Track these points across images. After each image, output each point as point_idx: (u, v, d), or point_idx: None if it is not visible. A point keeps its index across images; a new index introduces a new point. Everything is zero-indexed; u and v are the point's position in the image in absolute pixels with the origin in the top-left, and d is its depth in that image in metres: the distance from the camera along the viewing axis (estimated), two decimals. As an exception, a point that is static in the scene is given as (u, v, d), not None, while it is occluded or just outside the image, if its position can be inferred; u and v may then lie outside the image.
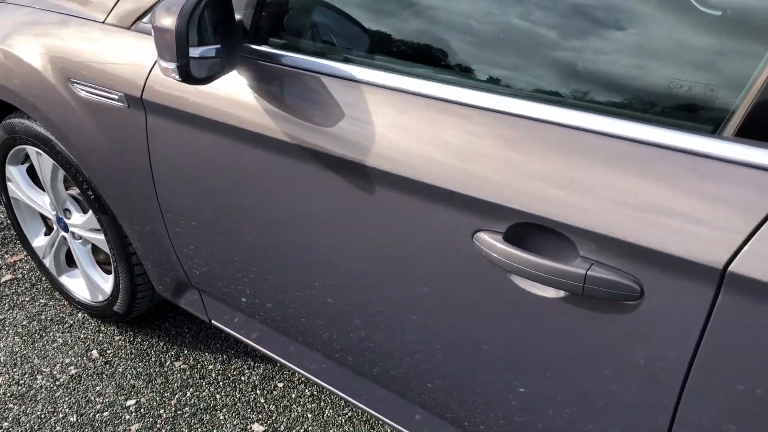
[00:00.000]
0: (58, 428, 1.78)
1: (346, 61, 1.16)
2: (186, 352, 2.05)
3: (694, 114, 0.88)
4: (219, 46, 1.18)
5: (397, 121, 1.06)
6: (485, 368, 1.13)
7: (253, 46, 1.26)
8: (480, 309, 1.07)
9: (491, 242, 0.97)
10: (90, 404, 1.86)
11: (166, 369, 1.98)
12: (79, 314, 2.21)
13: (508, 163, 0.95)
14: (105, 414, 1.83)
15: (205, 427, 1.78)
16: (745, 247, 0.78)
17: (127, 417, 1.82)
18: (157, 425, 1.79)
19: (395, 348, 1.27)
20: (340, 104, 1.13)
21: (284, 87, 1.20)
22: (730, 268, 0.79)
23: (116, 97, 1.47)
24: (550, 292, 0.96)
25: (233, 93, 1.26)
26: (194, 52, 1.12)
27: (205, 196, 1.42)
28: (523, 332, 1.03)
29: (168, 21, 1.05)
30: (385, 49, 1.18)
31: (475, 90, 1.02)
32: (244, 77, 1.25)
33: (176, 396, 1.89)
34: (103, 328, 2.15)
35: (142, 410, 1.84)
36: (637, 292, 0.87)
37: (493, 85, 1.03)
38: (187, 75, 1.08)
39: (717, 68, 0.87)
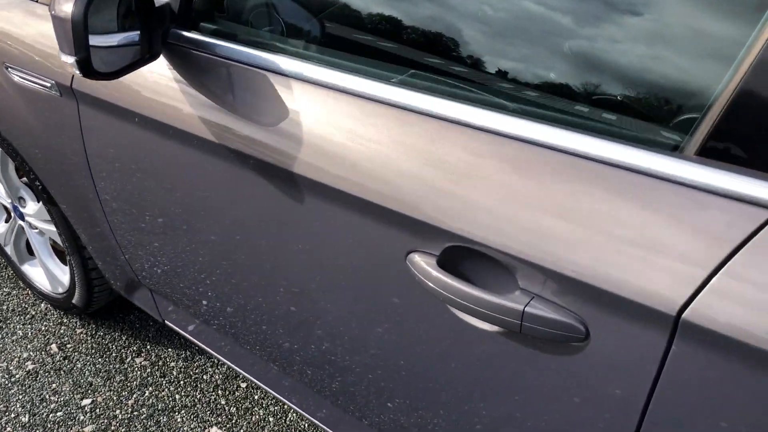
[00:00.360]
0: (8, 429, 1.70)
1: (294, 55, 1.02)
2: (149, 347, 1.96)
3: (650, 127, 0.74)
4: (138, 32, 1.05)
5: (337, 125, 0.94)
6: (440, 392, 1.02)
7: (185, 33, 1.12)
8: (421, 335, 0.95)
9: (424, 267, 0.85)
10: (44, 403, 1.78)
11: (126, 366, 1.90)
12: (42, 305, 2.12)
13: (439, 179, 0.82)
14: (59, 414, 1.74)
15: (161, 430, 1.70)
16: (702, 292, 0.65)
17: (81, 418, 1.73)
18: (112, 427, 1.71)
19: (356, 363, 1.16)
20: (277, 105, 1.00)
21: (217, 81, 1.07)
22: (685, 315, 0.66)
23: (48, 84, 1.35)
24: (487, 326, 0.84)
25: (160, 85, 1.13)
26: (103, 40, 1.00)
27: (144, 195, 1.31)
28: (465, 362, 0.92)
29: (66, 8, 0.92)
30: (335, 46, 1.05)
31: (416, 91, 0.88)
32: (172, 68, 1.12)
33: (134, 395, 1.80)
34: (65, 320, 2.06)
35: (98, 410, 1.76)
36: (582, 333, 0.75)
37: (430, 83, 0.90)
38: (87, 69, 0.95)
39: (685, 68, 0.73)
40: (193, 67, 1.10)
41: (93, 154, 1.35)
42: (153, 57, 1.08)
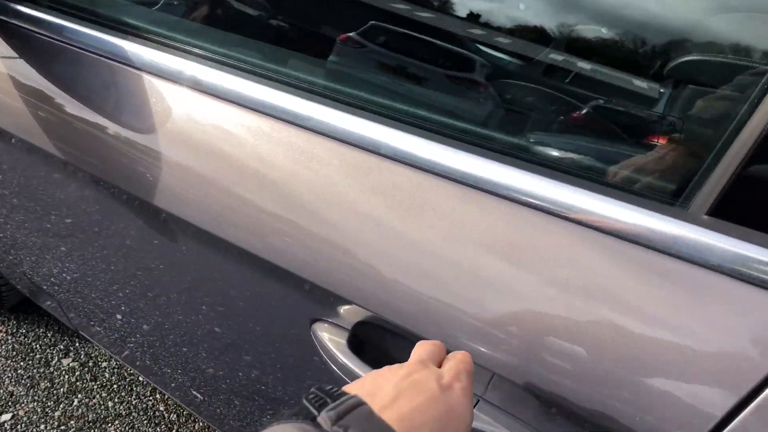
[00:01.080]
0: None
1: (176, 42, 0.73)
2: (77, 344, 1.75)
3: (643, 174, 0.49)
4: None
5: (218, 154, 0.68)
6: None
7: (18, 6, 0.84)
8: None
9: (327, 345, 0.62)
10: (-42, 421, 1.57)
11: (52, 369, 1.68)
12: (-42, 300, 1.88)
13: (353, 237, 0.58)
14: (-25, 433, 1.54)
15: (92, 446, 1.51)
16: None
17: (1, 436, 1.54)
18: (36, 446, 1.51)
19: (290, 395, 0.94)
20: (147, 116, 0.73)
21: (64, 75, 0.80)
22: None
23: None
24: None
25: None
26: None
27: (12, 193, 1.06)
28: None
29: None
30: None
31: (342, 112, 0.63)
32: (3, 54, 0.85)
33: (61, 405, 1.59)
34: (-17, 318, 1.83)
35: (20, 427, 1.55)
36: (543, 453, 0.53)
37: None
38: None
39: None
40: (31, 53, 0.83)
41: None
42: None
